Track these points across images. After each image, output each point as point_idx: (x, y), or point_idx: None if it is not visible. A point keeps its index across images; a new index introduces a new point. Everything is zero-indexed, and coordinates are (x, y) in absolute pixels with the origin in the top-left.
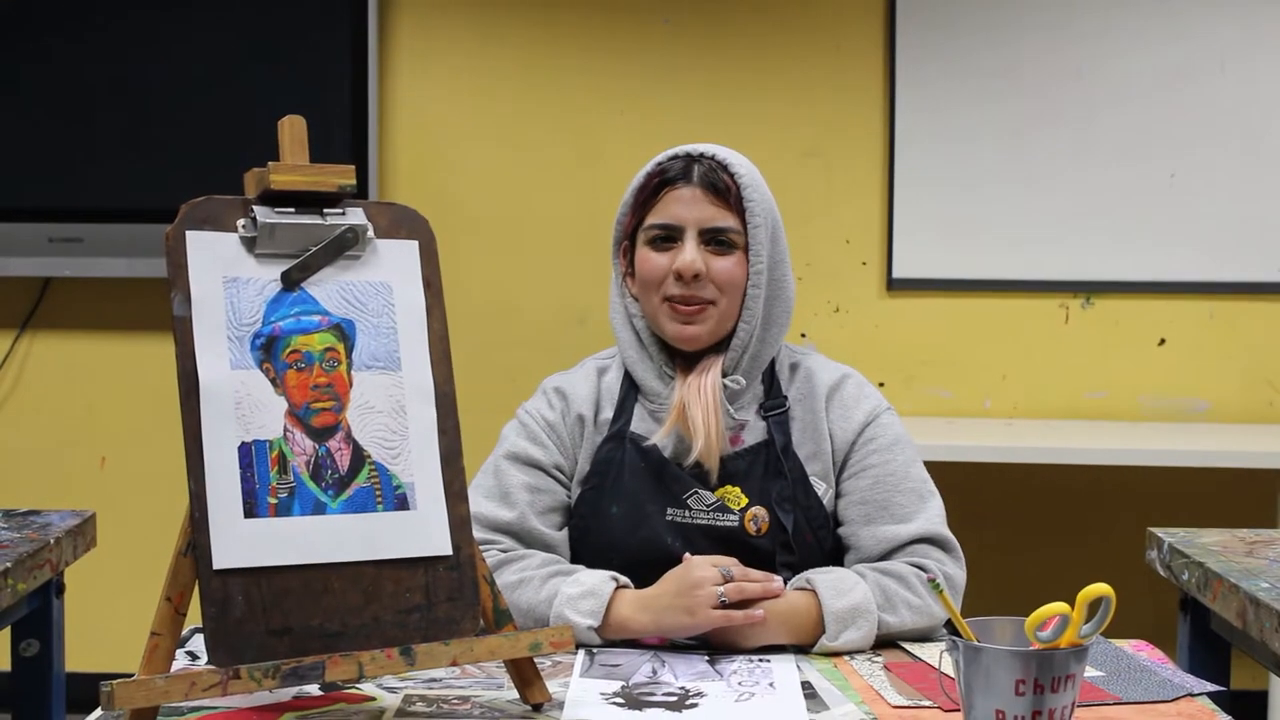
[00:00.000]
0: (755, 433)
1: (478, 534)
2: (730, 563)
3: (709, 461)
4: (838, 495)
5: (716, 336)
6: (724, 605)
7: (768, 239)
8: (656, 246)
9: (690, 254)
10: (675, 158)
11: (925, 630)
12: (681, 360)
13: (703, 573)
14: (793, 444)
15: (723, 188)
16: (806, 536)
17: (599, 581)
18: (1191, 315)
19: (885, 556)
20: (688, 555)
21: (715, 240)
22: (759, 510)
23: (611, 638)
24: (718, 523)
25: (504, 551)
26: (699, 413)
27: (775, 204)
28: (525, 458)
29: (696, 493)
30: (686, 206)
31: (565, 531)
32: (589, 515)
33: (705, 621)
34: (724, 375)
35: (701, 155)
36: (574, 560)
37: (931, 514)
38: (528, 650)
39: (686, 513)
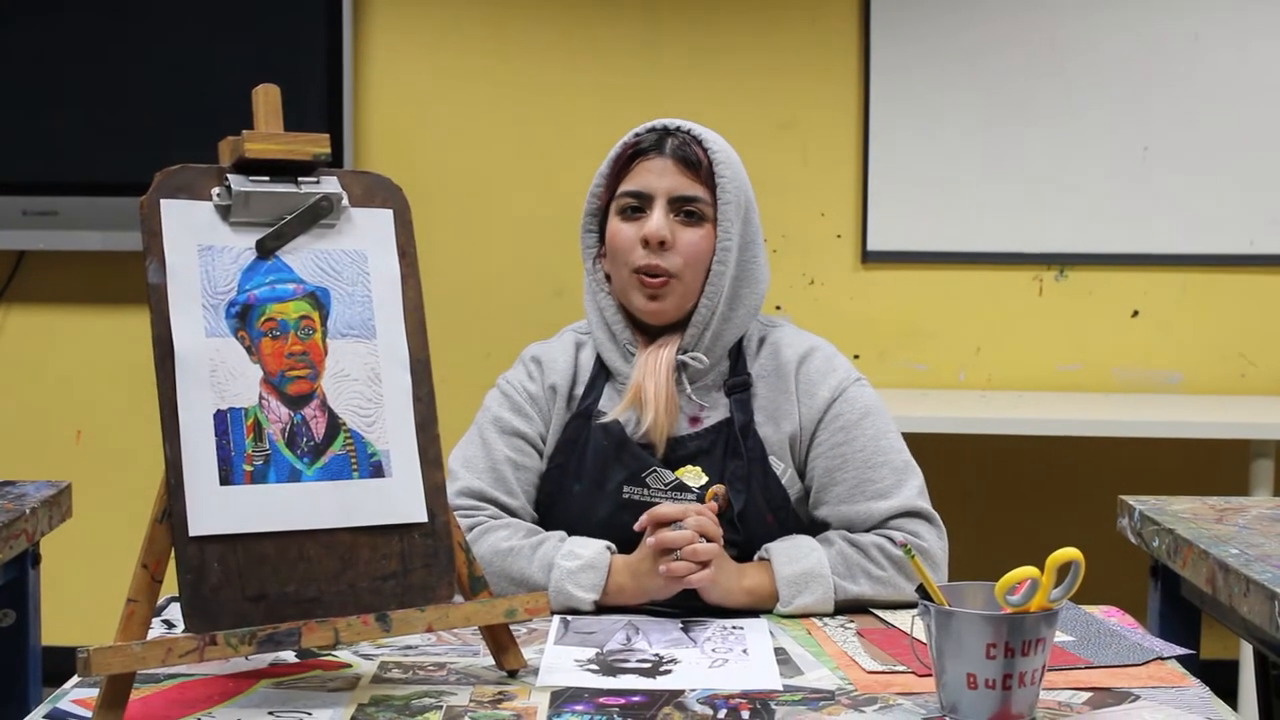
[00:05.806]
0: (717, 412)
1: (462, 500)
2: (694, 510)
3: (655, 436)
4: (807, 472)
5: (682, 312)
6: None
7: (738, 217)
8: (626, 217)
9: (657, 220)
10: (650, 130)
11: (891, 602)
12: (645, 337)
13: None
14: (754, 423)
15: (694, 160)
16: (767, 518)
17: (595, 553)
18: (1165, 287)
19: (867, 532)
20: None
21: (684, 211)
22: (719, 489)
23: (608, 604)
24: (677, 500)
25: (492, 519)
26: (651, 386)
27: (750, 186)
28: (510, 429)
29: (655, 471)
30: (657, 176)
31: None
32: (554, 492)
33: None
34: (684, 352)
35: (677, 129)
36: None
37: (908, 489)
38: (503, 616)
39: (645, 491)
